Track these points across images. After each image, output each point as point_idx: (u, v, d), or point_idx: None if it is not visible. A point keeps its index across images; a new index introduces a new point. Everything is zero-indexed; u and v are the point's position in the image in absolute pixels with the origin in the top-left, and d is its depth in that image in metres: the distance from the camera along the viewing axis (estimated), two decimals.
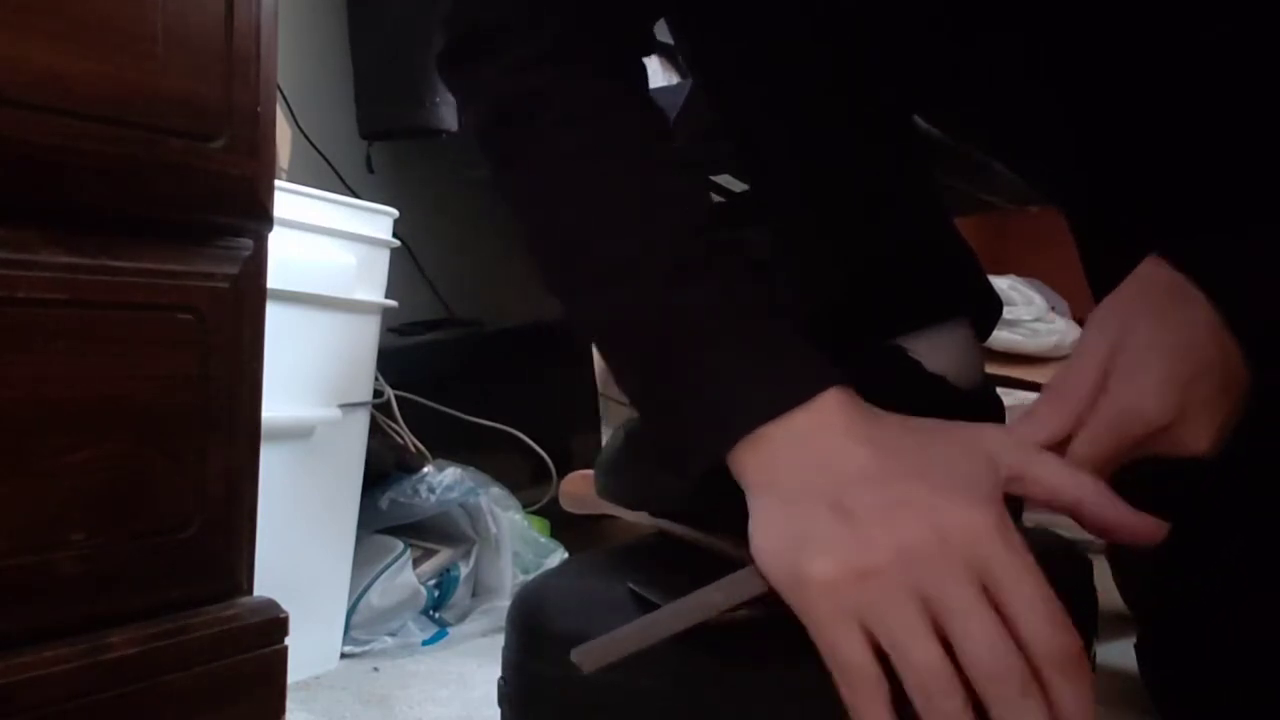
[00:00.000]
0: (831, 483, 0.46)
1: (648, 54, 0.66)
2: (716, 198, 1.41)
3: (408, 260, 1.51)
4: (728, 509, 0.50)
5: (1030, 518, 0.53)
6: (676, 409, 0.53)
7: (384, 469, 1.10)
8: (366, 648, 1.02)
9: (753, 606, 0.47)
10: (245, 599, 0.65)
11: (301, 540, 0.94)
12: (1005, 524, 0.44)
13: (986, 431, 0.48)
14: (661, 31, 0.71)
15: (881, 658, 0.43)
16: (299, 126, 1.39)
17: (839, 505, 0.45)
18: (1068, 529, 0.57)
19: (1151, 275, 0.50)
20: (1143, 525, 0.46)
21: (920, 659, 0.42)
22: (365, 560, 1.04)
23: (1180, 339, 0.48)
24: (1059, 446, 0.48)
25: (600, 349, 0.56)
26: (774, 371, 0.50)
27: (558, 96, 0.58)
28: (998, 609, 0.42)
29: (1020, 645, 0.42)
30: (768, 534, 0.47)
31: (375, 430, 1.06)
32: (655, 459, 0.58)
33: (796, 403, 0.48)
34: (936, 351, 0.71)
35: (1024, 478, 0.46)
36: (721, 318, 0.52)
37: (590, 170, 0.57)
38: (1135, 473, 0.48)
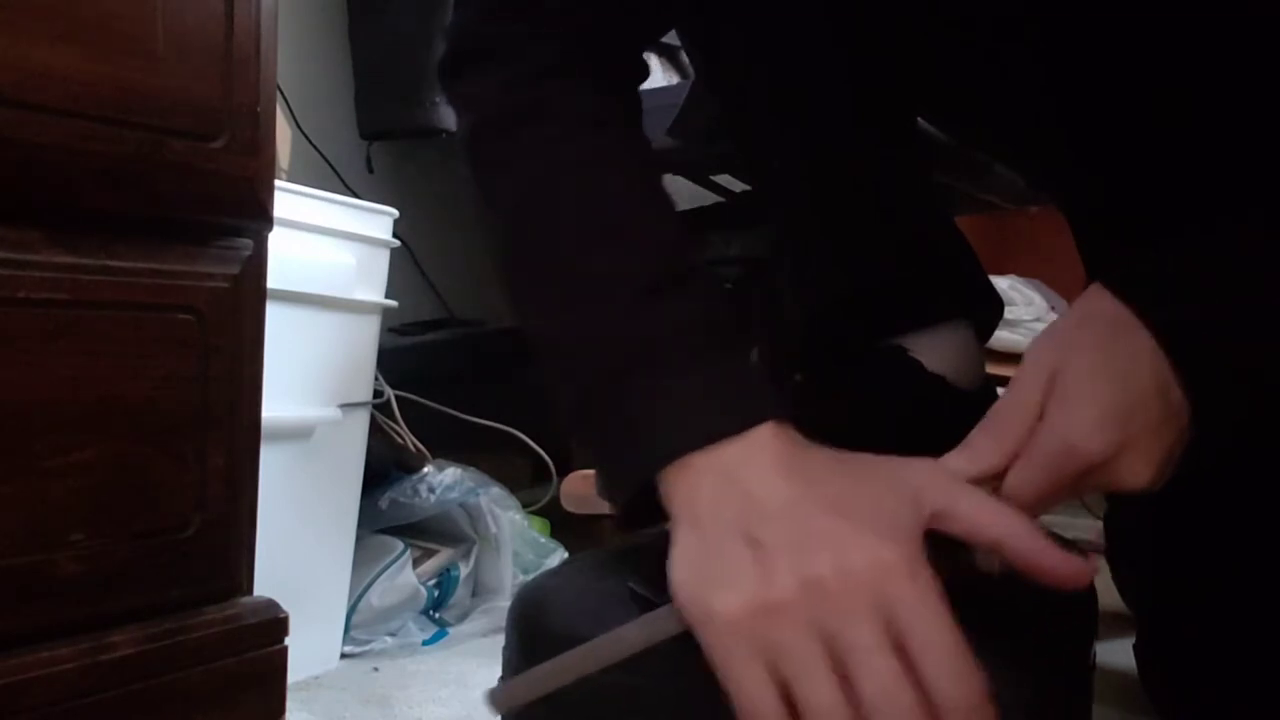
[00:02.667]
0: (748, 516, 0.45)
1: (643, 78, 0.66)
2: (716, 198, 1.41)
3: (408, 260, 1.51)
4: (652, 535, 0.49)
5: None
6: (614, 429, 0.52)
7: (384, 469, 1.10)
8: (366, 648, 1.02)
9: (675, 642, 0.46)
10: (245, 599, 0.65)
11: (301, 540, 0.94)
12: (916, 563, 0.43)
13: (916, 466, 0.47)
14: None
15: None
16: (299, 126, 1.39)
17: (752, 539, 0.44)
18: (1067, 529, 0.57)
19: (1094, 305, 0.49)
20: (1067, 567, 0.44)
21: (817, 698, 0.41)
22: (365, 560, 1.04)
23: (1120, 371, 0.46)
24: (996, 478, 0.47)
25: (548, 362, 0.55)
26: (711, 400, 0.49)
27: (547, 112, 0.58)
28: (902, 651, 0.42)
29: (922, 689, 0.41)
30: (681, 567, 0.46)
31: (375, 430, 1.06)
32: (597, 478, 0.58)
33: (727, 433, 0.47)
34: (937, 351, 0.71)
35: (947, 515, 0.45)
36: (673, 344, 0.51)
37: (567, 187, 0.56)
38: None
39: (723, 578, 0.44)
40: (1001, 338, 1.66)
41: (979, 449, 0.47)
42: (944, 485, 0.46)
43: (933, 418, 0.55)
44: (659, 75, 1.37)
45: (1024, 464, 0.46)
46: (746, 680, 0.43)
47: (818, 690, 0.41)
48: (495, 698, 0.46)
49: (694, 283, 0.54)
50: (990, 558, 0.46)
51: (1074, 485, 0.46)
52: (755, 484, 0.46)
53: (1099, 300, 0.49)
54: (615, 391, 0.51)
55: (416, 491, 1.10)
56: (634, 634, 0.46)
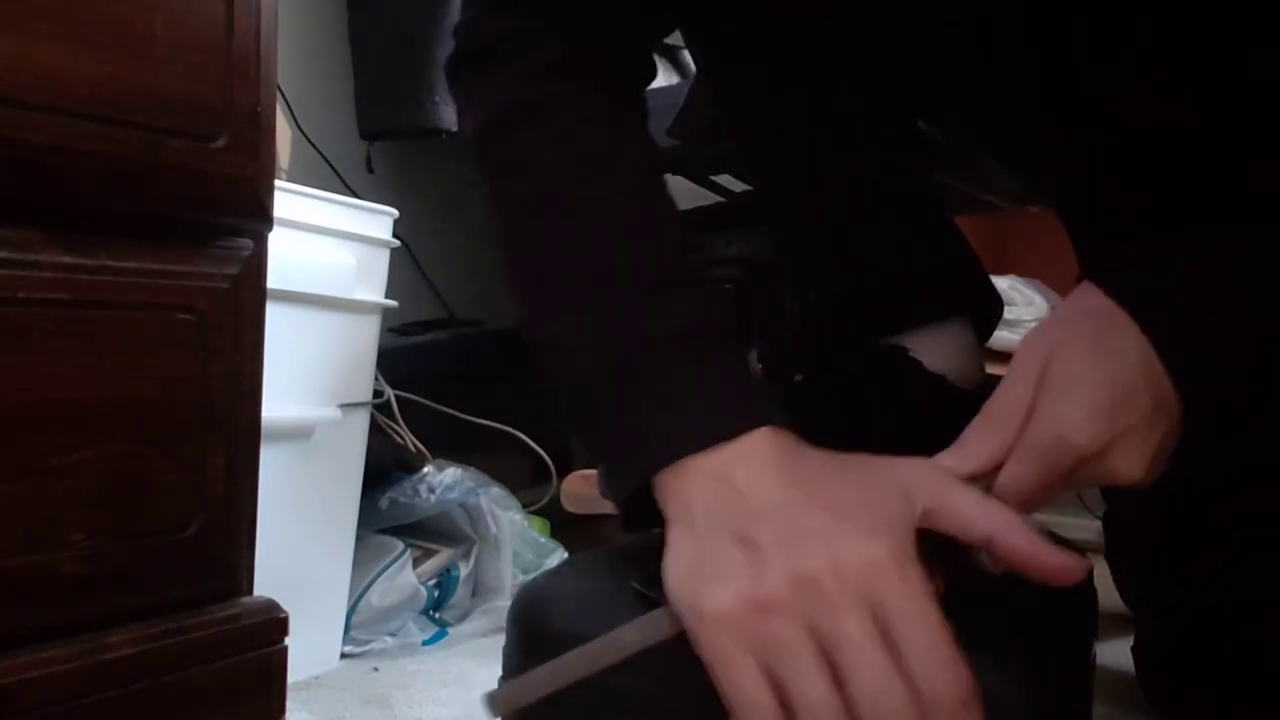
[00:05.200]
0: (741, 516, 0.46)
1: (650, 78, 0.66)
2: (717, 198, 1.41)
3: (408, 260, 1.51)
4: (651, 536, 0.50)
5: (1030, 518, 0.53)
6: (612, 431, 0.52)
7: (384, 469, 1.10)
8: (366, 648, 1.02)
9: (671, 644, 0.46)
10: (245, 599, 0.65)
11: (301, 540, 0.94)
12: (904, 559, 0.43)
13: (908, 465, 0.47)
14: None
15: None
16: (299, 126, 1.39)
17: (744, 538, 0.45)
18: (1067, 529, 0.57)
19: (1082, 301, 0.50)
20: (1059, 564, 0.44)
21: (808, 693, 0.41)
22: (365, 560, 1.04)
23: (1108, 366, 0.47)
24: (990, 476, 0.47)
25: (548, 363, 0.56)
26: (708, 405, 0.50)
27: (552, 111, 0.58)
28: (890, 644, 0.42)
29: (910, 684, 0.41)
30: (676, 567, 0.46)
31: (375, 430, 1.06)
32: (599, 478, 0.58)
33: (723, 438, 0.48)
34: (937, 351, 0.71)
35: (937, 512, 0.45)
36: (671, 347, 0.51)
37: (570, 187, 0.57)
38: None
39: (715, 576, 0.44)
40: (1001, 338, 1.66)
41: (971, 447, 0.48)
42: (935, 483, 0.46)
43: (933, 417, 0.54)
44: (659, 75, 1.36)
45: (1016, 459, 0.46)
46: (739, 677, 0.43)
47: (809, 685, 0.42)
48: (493, 700, 0.46)
49: (694, 285, 0.54)
50: (991, 557, 0.46)
51: (1067, 479, 0.47)
52: (749, 485, 0.47)
53: (1087, 296, 0.49)
54: (614, 393, 0.52)
55: (416, 491, 1.10)
56: (631, 635, 0.46)
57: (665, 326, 0.52)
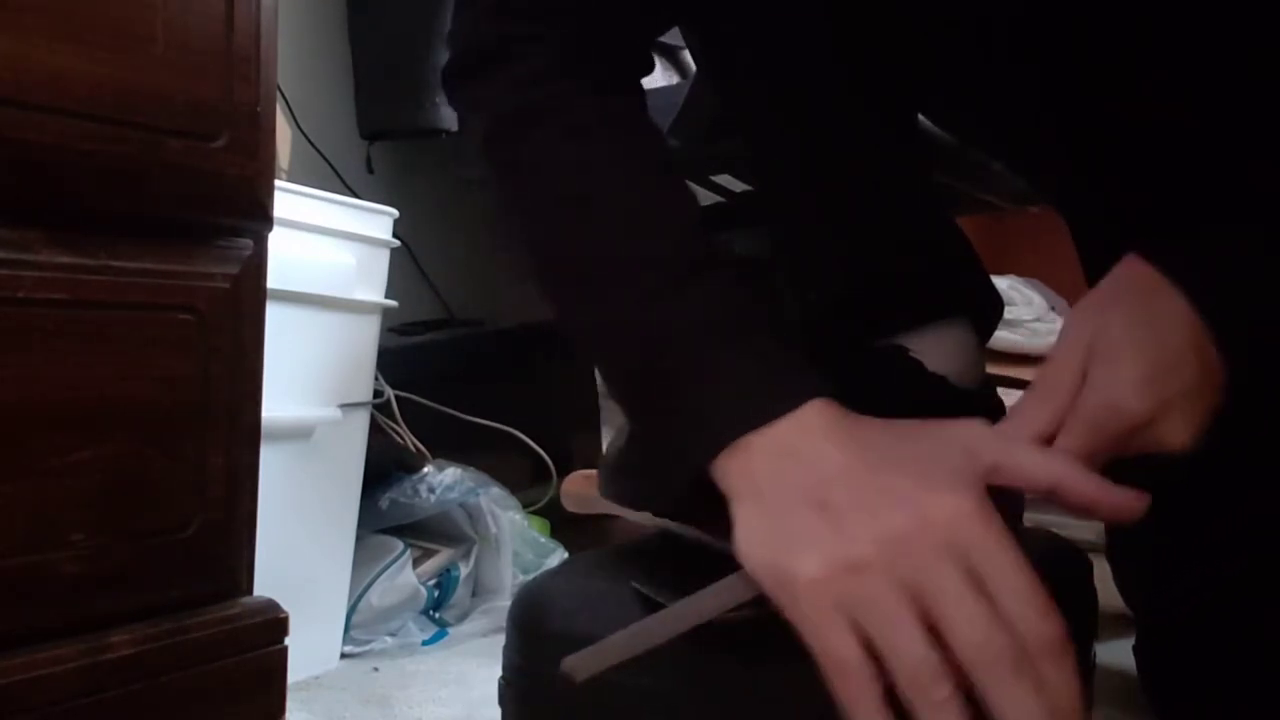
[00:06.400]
0: (812, 483, 0.47)
1: (648, 71, 0.66)
2: (716, 198, 1.41)
3: (408, 260, 1.51)
4: (715, 514, 0.50)
5: (1030, 518, 0.53)
6: (663, 417, 0.53)
7: (384, 469, 1.10)
8: (366, 648, 1.02)
9: (746, 609, 0.47)
10: (245, 599, 0.65)
11: (301, 540, 0.94)
12: (987, 510, 0.44)
13: (966, 426, 0.48)
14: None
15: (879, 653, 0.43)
16: (299, 126, 1.39)
17: (820, 502, 0.46)
18: (1067, 529, 0.57)
19: (1128, 272, 0.51)
20: (1124, 500, 0.45)
21: (906, 648, 0.42)
22: (365, 560, 1.04)
23: (1156, 333, 0.48)
24: (1045, 444, 0.48)
25: (593, 357, 0.57)
26: (760, 383, 0.50)
27: (560, 111, 0.58)
28: (984, 594, 0.42)
29: (1009, 630, 0.42)
30: (752, 538, 0.47)
31: (375, 430, 1.06)
32: (644, 466, 0.58)
33: (780, 414, 0.49)
34: (937, 351, 0.71)
35: (1002, 467, 0.46)
36: (711, 328, 0.52)
37: (590, 182, 0.57)
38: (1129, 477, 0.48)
39: (798, 541, 0.45)
40: (1001, 338, 1.66)
41: (1026, 414, 0.48)
42: (996, 440, 0.47)
43: (933, 418, 0.55)
44: (659, 75, 1.37)
45: (1069, 427, 0.47)
46: (833, 638, 0.43)
47: (907, 641, 0.42)
48: (575, 664, 0.46)
49: (723, 269, 0.54)
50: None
51: (1117, 446, 0.48)
52: (812, 453, 0.47)
53: (1133, 267, 0.50)
54: (661, 382, 0.52)
55: (416, 491, 1.10)
56: (708, 602, 0.47)
57: (703, 310, 0.52)
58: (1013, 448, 0.47)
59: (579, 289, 0.57)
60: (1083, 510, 0.46)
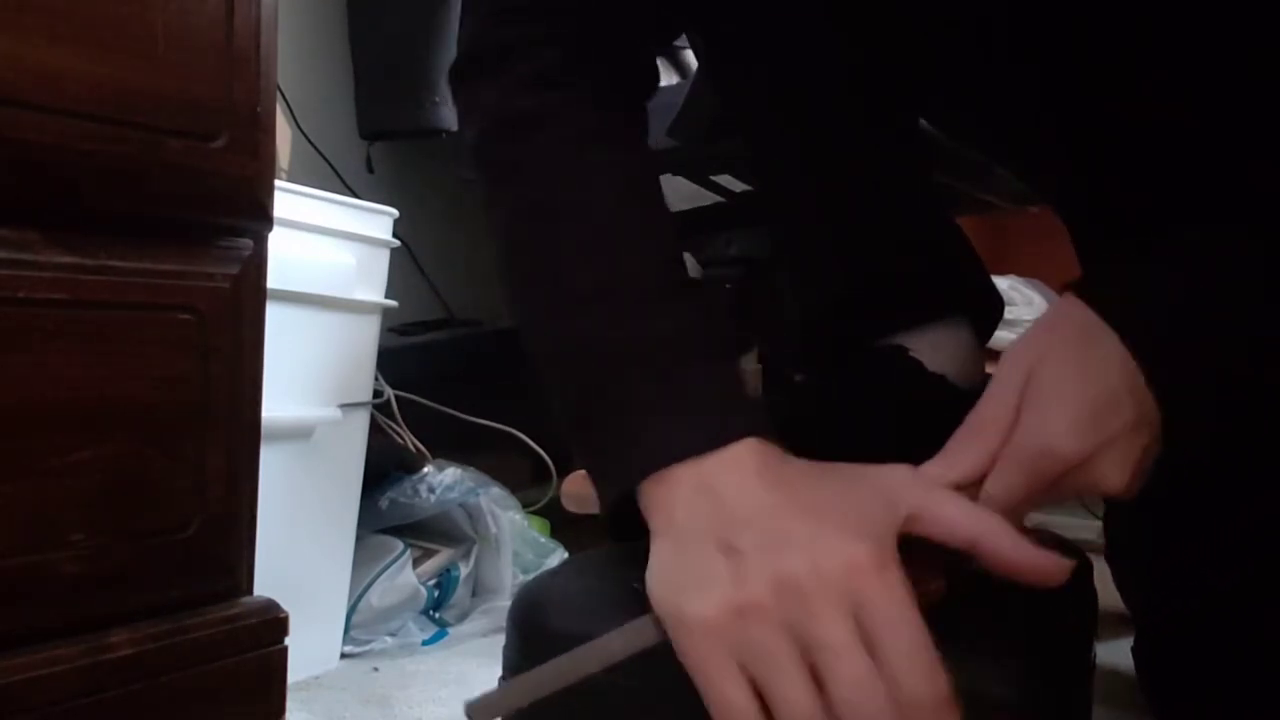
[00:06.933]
0: (722, 523, 0.46)
1: (652, 85, 0.66)
2: (716, 198, 1.41)
3: (408, 260, 1.51)
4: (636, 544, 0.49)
5: (1030, 518, 0.53)
6: (601, 437, 0.52)
7: (384, 469, 1.10)
8: (366, 648, 1.02)
9: (658, 650, 0.46)
10: (245, 599, 0.65)
11: (301, 540, 0.94)
12: (885, 561, 0.43)
13: (892, 471, 0.47)
14: None
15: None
16: (299, 126, 1.39)
17: (726, 544, 0.45)
18: (1067, 529, 0.57)
19: (1064, 312, 0.50)
20: (1045, 564, 0.44)
21: (790, 697, 0.41)
22: (365, 560, 1.04)
23: (1093, 377, 0.47)
24: (974, 487, 0.47)
25: (544, 370, 0.56)
26: (696, 414, 0.49)
27: (554, 119, 0.58)
28: (871, 648, 0.42)
29: (889, 688, 0.41)
30: (658, 575, 0.46)
31: (375, 430, 1.06)
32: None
33: (708, 447, 0.48)
34: (937, 351, 0.71)
35: (921, 516, 0.45)
36: (665, 355, 0.51)
37: (565, 198, 0.57)
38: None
39: (697, 583, 0.44)
40: (1001, 338, 1.66)
41: (955, 455, 0.48)
42: (919, 488, 0.46)
43: (933, 418, 0.54)
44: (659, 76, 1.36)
45: (1001, 469, 0.46)
46: (720, 681, 0.43)
47: (790, 689, 0.41)
48: (474, 709, 0.46)
49: (686, 294, 0.54)
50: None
51: (1051, 489, 0.47)
52: (731, 493, 0.46)
53: (1070, 307, 0.49)
54: (601, 401, 0.52)
55: (416, 491, 1.10)
56: (615, 643, 0.46)
57: (655, 334, 0.52)
58: (937, 497, 0.46)
59: (540, 301, 0.56)
60: (1000, 572, 0.44)
